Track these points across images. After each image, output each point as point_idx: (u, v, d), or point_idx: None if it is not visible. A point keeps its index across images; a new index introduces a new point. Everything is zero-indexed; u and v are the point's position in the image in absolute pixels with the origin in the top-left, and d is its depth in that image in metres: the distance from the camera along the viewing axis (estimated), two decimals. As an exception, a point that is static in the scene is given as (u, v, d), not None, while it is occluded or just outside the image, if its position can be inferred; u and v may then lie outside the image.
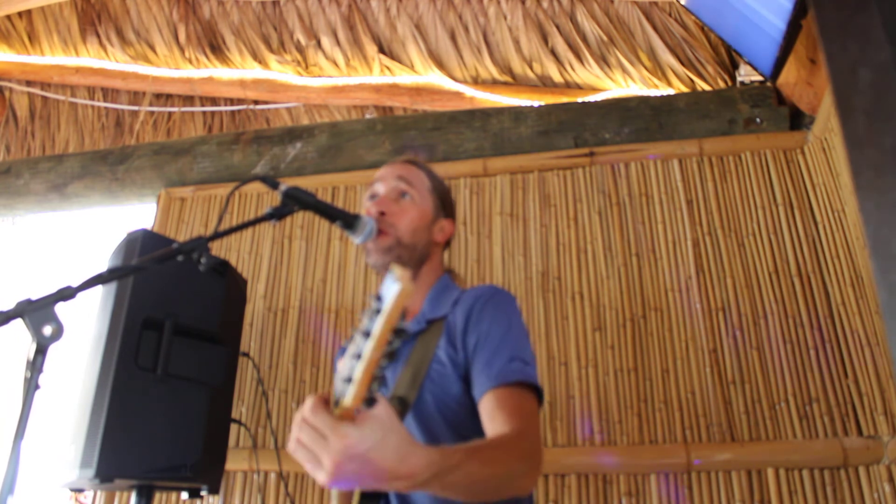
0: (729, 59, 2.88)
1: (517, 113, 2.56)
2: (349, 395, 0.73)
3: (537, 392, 1.11)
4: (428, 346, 1.20)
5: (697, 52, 2.91)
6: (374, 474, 0.76)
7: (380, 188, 1.36)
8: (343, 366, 0.75)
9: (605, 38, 3.02)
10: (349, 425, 0.74)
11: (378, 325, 0.70)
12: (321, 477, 0.75)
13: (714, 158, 2.33)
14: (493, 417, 1.06)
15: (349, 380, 0.73)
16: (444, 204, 1.41)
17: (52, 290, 0.92)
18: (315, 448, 0.75)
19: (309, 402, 0.78)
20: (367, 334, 0.71)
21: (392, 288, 0.69)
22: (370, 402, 0.74)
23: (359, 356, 0.71)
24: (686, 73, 2.93)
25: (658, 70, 2.99)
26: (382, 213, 1.30)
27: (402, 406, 1.15)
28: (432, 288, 1.32)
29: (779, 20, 1.88)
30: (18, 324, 0.88)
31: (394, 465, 0.76)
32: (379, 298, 0.71)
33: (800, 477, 1.83)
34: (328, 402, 0.78)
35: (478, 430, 1.12)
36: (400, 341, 0.71)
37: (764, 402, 1.94)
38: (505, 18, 3.15)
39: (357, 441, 0.73)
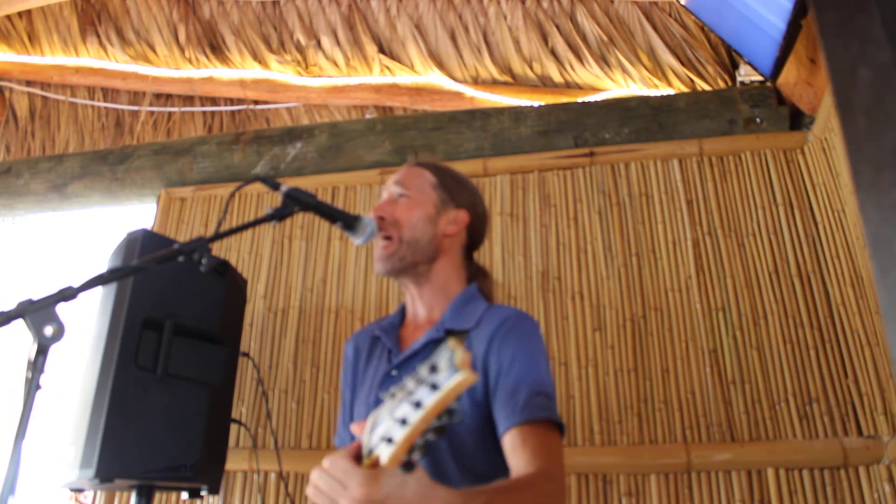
0: (729, 59, 2.88)
1: (517, 113, 2.56)
2: (387, 455, 0.73)
3: (559, 427, 1.11)
4: None
5: (697, 52, 2.91)
6: None
7: (383, 195, 1.36)
8: (380, 422, 0.75)
9: (605, 38, 3.02)
10: (367, 472, 0.76)
11: (431, 402, 0.69)
12: None
13: (714, 158, 2.33)
14: (517, 455, 1.05)
15: (389, 440, 0.73)
16: (455, 196, 1.35)
17: (53, 290, 0.92)
18: (334, 495, 0.78)
19: (328, 457, 0.81)
20: (417, 405, 0.70)
21: (455, 375, 0.68)
22: (407, 465, 0.75)
23: (404, 422, 0.71)
24: (686, 73, 2.93)
25: (658, 70, 2.99)
26: (382, 218, 1.28)
27: None
28: (456, 298, 1.28)
29: (779, 20, 1.88)
30: (19, 324, 0.88)
31: None
32: (434, 369, 0.70)
33: (800, 477, 1.84)
34: (354, 458, 0.80)
35: (484, 462, 1.11)
36: (448, 419, 0.71)
37: (764, 402, 1.94)
38: (505, 18, 3.15)
39: (376, 488, 0.75)
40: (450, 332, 1.21)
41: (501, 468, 1.09)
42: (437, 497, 0.80)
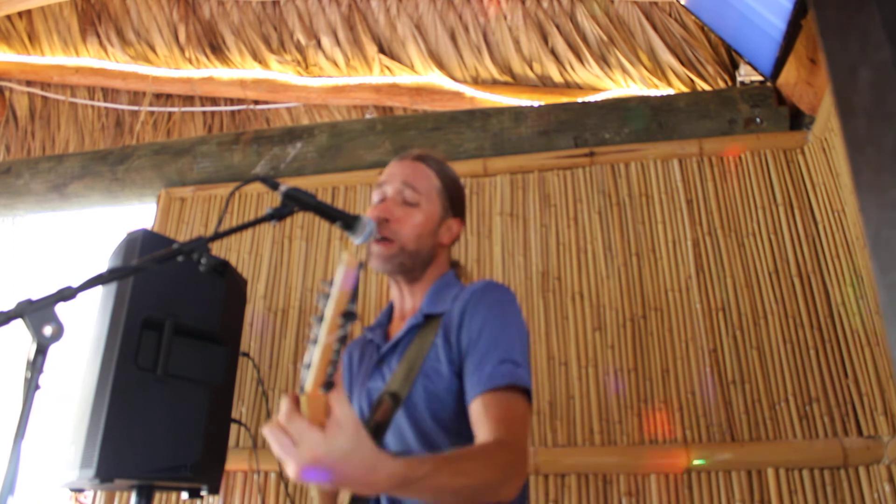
0: (729, 59, 2.88)
1: (517, 113, 2.56)
2: (309, 381, 0.75)
3: (527, 393, 1.10)
4: (424, 342, 1.19)
5: (697, 52, 2.91)
6: (338, 480, 0.80)
7: (386, 190, 1.32)
8: (307, 352, 0.78)
9: (605, 38, 3.02)
10: (318, 435, 0.77)
11: (328, 310, 0.72)
12: (290, 473, 0.80)
13: (714, 158, 2.33)
14: (480, 423, 1.06)
15: (308, 365, 0.75)
16: (453, 203, 1.36)
17: (53, 290, 0.92)
18: (285, 452, 0.80)
19: (284, 405, 0.81)
20: (321, 319, 0.73)
21: (339, 271, 0.71)
22: (328, 385, 0.76)
23: (315, 341, 0.74)
24: (686, 73, 2.93)
25: (658, 70, 2.99)
26: (386, 220, 1.26)
27: (394, 401, 1.14)
28: (434, 283, 1.30)
29: (779, 20, 1.88)
30: (19, 324, 0.88)
31: (357, 475, 0.79)
32: (331, 283, 0.73)
33: (800, 477, 1.83)
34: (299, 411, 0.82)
35: (468, 431, 1.11)
36: (350, 324, 0.73)
37: (764, 402, 1.94)
38: (505, 18, 3.15)
39: (324, 453, 0.77)
40: (429, 317, 1.24)
41: None
42: (382, 468, 0.81)
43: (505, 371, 1.09)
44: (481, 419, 1.06)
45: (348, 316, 0.73)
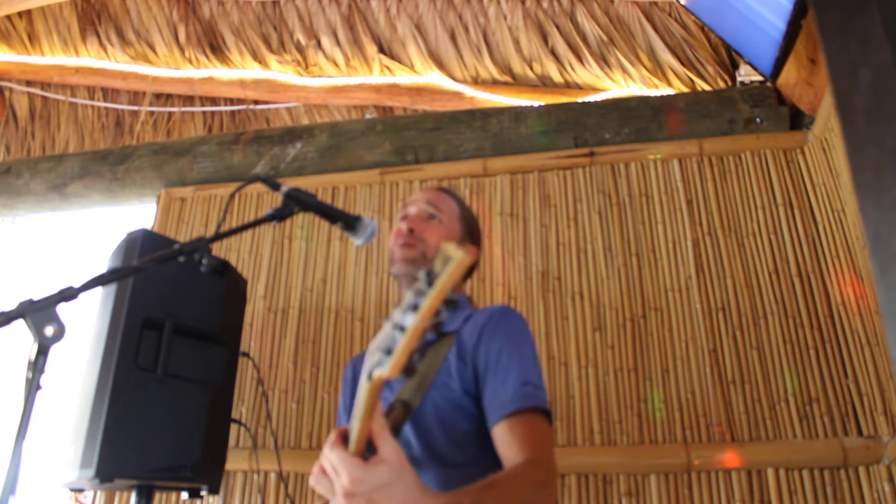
0: (729, 59, 2.88)
1: (517, 113, 2.56)
2: (387, 366, 0.71)
3: (548, 415, 1.14)
4: (436, 357, 1.23)
5: (697, 52, 2.91)
6: None
7: (411, 210, 1.43)
8: (381, 337, 0.75)
9: (605, 38, 3.02)
10: (360, 466, 0.80)
11: (431, 294, 0.68)
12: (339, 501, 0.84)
13: (714, 158, 2.33)
14: (507, 445, 1.09)
15: (389, 351, 0.72)
16: (471, 232, 1.47)
17: (54, 290, 0.92)
18: (332, 480, 0.85)
19: (331, 437, 0.86)
20: (414, 307, 0.70)
21: (452, 260, 0.68)
22: (409, 371, 0.73)
23: (402, 328, 0.71)
24: (686, 73, 2.93)
25: (658, 70, 2.99)
26: (412, 230, 1.36)
27: (405, 410, 1.16)
28: None
29: (779, 20, 1.88)
30: (20, 324, 0.88)
31: None
32: (430, 273, 0.70)
33: (800, 477, 1.84)
34: (346, 438, 0.85)
35: (473, 443, 1.14)
36: (447, 313, 0.70)
37: (764, 402, 1.94)
38: (505, 18, 3.15)
39: (362, 481, 0.80)
40: (441, 334, 1.25)
41: (490, 451, 1.12)
42: (426, 502, 0.82)
43: (527, 393, 1.13)
44: (508, 441, 1.09)
45: (448, 303, 0.70)
